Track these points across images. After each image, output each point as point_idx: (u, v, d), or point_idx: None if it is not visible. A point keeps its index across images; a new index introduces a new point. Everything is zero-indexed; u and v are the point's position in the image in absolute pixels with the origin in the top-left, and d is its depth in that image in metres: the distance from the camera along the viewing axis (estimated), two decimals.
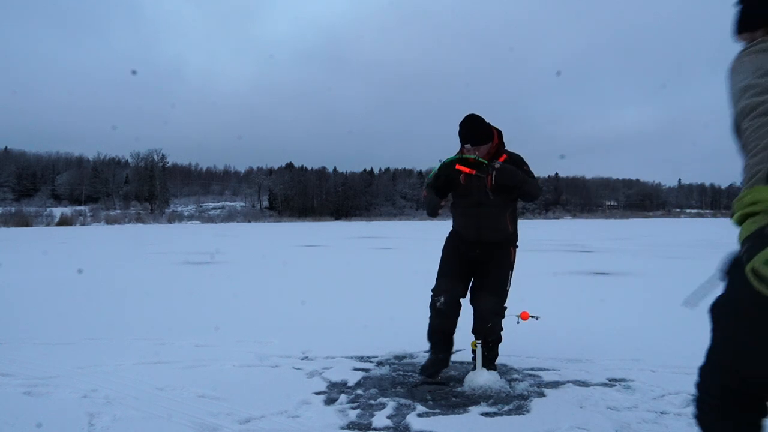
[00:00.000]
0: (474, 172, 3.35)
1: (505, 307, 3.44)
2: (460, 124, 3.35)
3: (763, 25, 1.65)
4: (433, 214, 3.36)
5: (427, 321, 3.46)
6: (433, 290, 3.41)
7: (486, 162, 3.27)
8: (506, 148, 3.46)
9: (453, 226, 3.57)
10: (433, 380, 3.38)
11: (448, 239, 3.57)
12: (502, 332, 3.44)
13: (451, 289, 3.35)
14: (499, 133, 3.44)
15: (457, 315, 3.41)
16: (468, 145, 3.33)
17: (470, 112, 3.36)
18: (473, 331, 3.40)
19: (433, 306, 3.39)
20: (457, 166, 3.40)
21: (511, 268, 3.44)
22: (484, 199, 3.32)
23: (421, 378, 3.43)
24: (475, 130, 3.30)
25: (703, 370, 1.62)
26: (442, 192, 3.44)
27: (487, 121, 3.39)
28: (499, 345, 3.49)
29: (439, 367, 3.41)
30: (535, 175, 3.44)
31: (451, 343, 3.46)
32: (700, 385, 1.64)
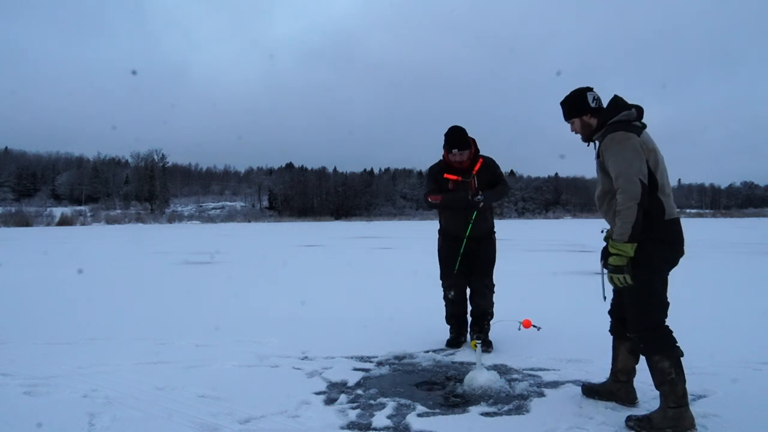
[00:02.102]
0: (460, 178, 4.09)
1: (494, 284, 4.29)
2: (447, 134, 4.07)
3: (586, 113, 2.81)
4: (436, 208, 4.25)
5: (443, 310, 4.36)
6: (443, 286, 4.30)
7: (475, 197, 4.05)
8: (482, 153, 4.22)
9: (442, 225, 4.34)
10: (457, 348, 4.16)
11: (441, 239, 4.33)
12: (493, 308, 4.27)
13: (457, 284, 4.22)
14: (475, 141, 4.17)
15: (466, 300, 4.29)
16: (455, 150, 4.03)
17: (454, 124, 4.10)
18: (472, 311, 4.24)
19: (446, 298, 4.29)
20: (445, 175, 4.14)
21: (495, 251, 4.30)
22: (475, 202, 4.06)
23: (422, 377, 3.45)
24: (461, 137, 4.05)
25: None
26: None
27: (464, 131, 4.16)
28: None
29: (459, 340, 4.24)
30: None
31: (465, 322, 4.33)
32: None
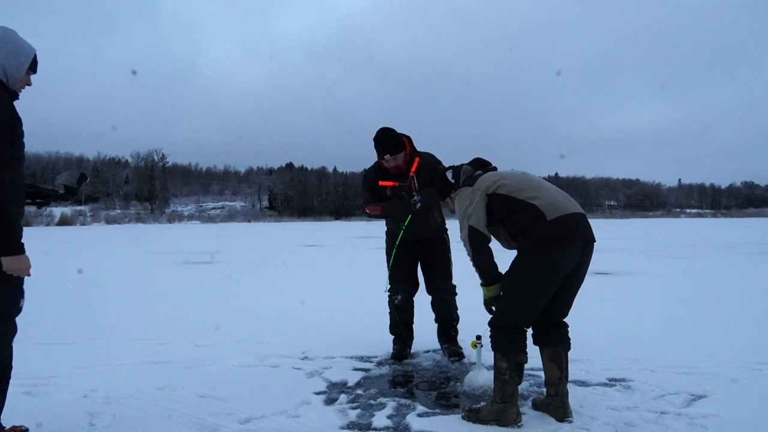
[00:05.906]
0: (396, 183, 3.72)
1: (455, 285, 3.91)
2: (376, 138, 3.64)
3: (452, 190, 3.09)
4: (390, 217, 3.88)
5: (388, 318, 3.99)
6: (389, 291, 3.92)
7: (412, 200, 3.62)
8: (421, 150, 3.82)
9: (388, 227, 4.01)
10: (401, 362, 3.82)
11: (388, 241, 3.98)
12: (458, 311, 3.95)
13: (404, 289, 3.89)
14: (410, 139, 3.75)
15: (413, 308, 3.97)
16: (387, 156, 3.60)
17: (383, 126, 3.66)
18: (436, 319, 3.93)
19: (391, 303, 3.93)
20: (381, 182, 3.76)
21: (449, 252, 3.94)
22: (411, 204, 3.64)
23: (422, 378, 3.45)
24: (391, 141, 3.60)
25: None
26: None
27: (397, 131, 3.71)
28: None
29: (404, 353, 3.89)
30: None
31: (411, 331, 4.00)
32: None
